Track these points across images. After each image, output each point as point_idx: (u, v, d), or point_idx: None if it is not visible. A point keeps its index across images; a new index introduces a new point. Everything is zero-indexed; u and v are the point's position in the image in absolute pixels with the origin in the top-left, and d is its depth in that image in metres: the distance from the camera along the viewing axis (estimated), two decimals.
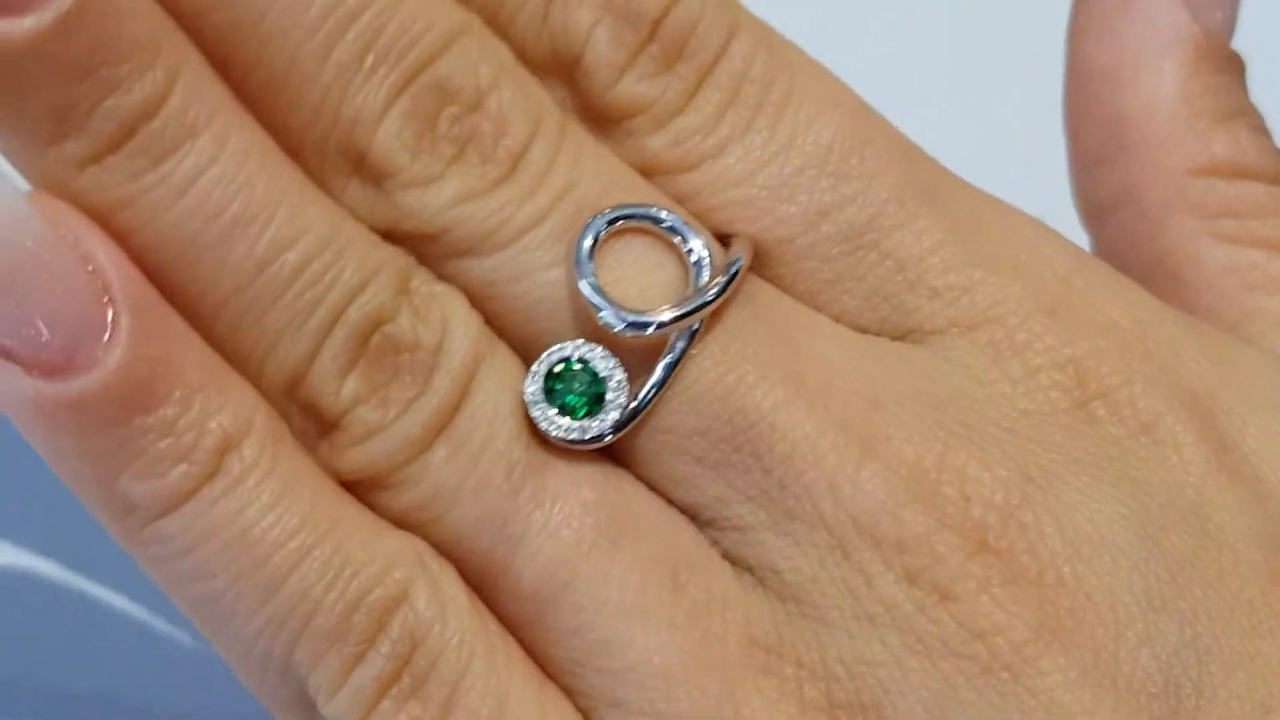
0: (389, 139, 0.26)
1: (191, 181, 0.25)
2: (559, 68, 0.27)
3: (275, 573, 0.25)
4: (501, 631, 0.26)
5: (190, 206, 0.25)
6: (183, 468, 0.25)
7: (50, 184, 0.25)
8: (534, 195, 0.26)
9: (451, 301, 0.26)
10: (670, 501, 0.26)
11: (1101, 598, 0.25)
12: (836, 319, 0.27)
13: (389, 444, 0.25)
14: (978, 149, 0.35)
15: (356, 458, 0.26)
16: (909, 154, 0.28)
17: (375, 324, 0.26)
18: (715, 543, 0.26)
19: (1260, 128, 0.31)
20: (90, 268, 0.25)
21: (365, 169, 0.26)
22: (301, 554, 0.25)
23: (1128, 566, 0.25)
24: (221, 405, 0.25)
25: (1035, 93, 0.33)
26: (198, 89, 0.25)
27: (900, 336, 0.27)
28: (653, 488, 0.26)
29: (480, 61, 0.26)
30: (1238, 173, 0.30)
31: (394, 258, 0.26)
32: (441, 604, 0.25)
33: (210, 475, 0.25)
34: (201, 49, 0.26)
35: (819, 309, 0.27)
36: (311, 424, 0.26)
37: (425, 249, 0.26)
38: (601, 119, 0.27)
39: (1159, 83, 0.30)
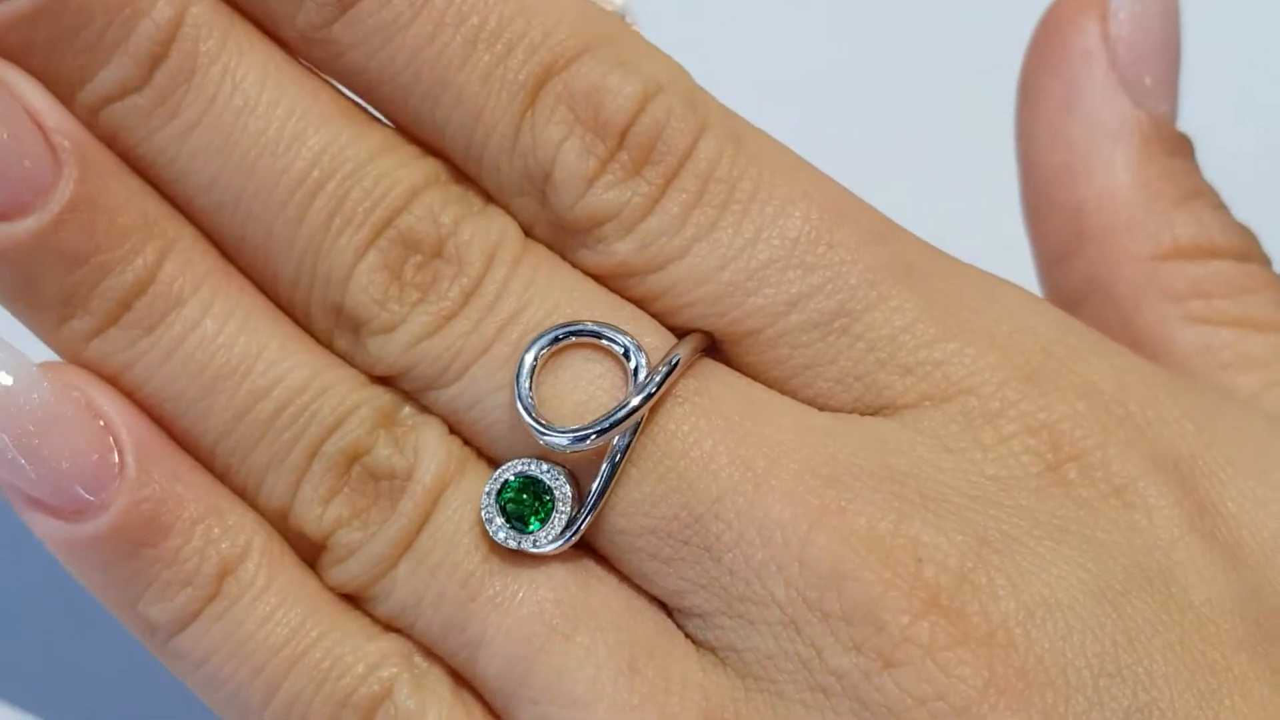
0: (358, 292, 0.28)
1: (177, 345, 0.28)
2: (531, 185, 0.28)
3: (272, 678, 0.27)
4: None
5: (177, 367, 0.28)
6: (188, 591, 0.28)
7: (65, 355, 0.28)
8: (480, 326, 0.27)
9: (427, 430, 0.28)
10: (639, 591, 0.27)
11: (1052, 660, 0.25)
12: (810, 402, 0.28)
13: (363, 562, 0.28)
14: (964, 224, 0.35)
15: (339, 574, 0.28)
16: (882, 235, 0.28)
17: (353, 456, 0.28)
18: (682, 627, 0.27)
19: (1219, 205, 0.31)
20: (102, 423, 0.28)
21: (344, 321, 0.28)
22: (294, 660, 0.27)
23: (1081, 630, 0.25)
24: (221, 534, 0.28)
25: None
26: (186, 262, 0.28)
27: (873, 413, 0.27)
28: (621, 580, 0.27)
29: (443, 210, 0.28)
30: (1203, 252, 0.30)
31: (377, 395, 0.28)
32: (423, 699, 0.27)
33: (211, 597, 0.28)
34: (197, 226, 0.29)
35: (793, 393, 0.28)
36: (304, 545, 0.28)
37: (402, 387, 0.28)
38: (573, 229, 0.28)
39: (1113, 171, 0.31)
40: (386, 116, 0.29)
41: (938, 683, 0.25)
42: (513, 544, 0.27)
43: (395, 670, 0.27)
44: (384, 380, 0.28)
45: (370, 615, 0.28)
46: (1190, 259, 0.30)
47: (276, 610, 0.27)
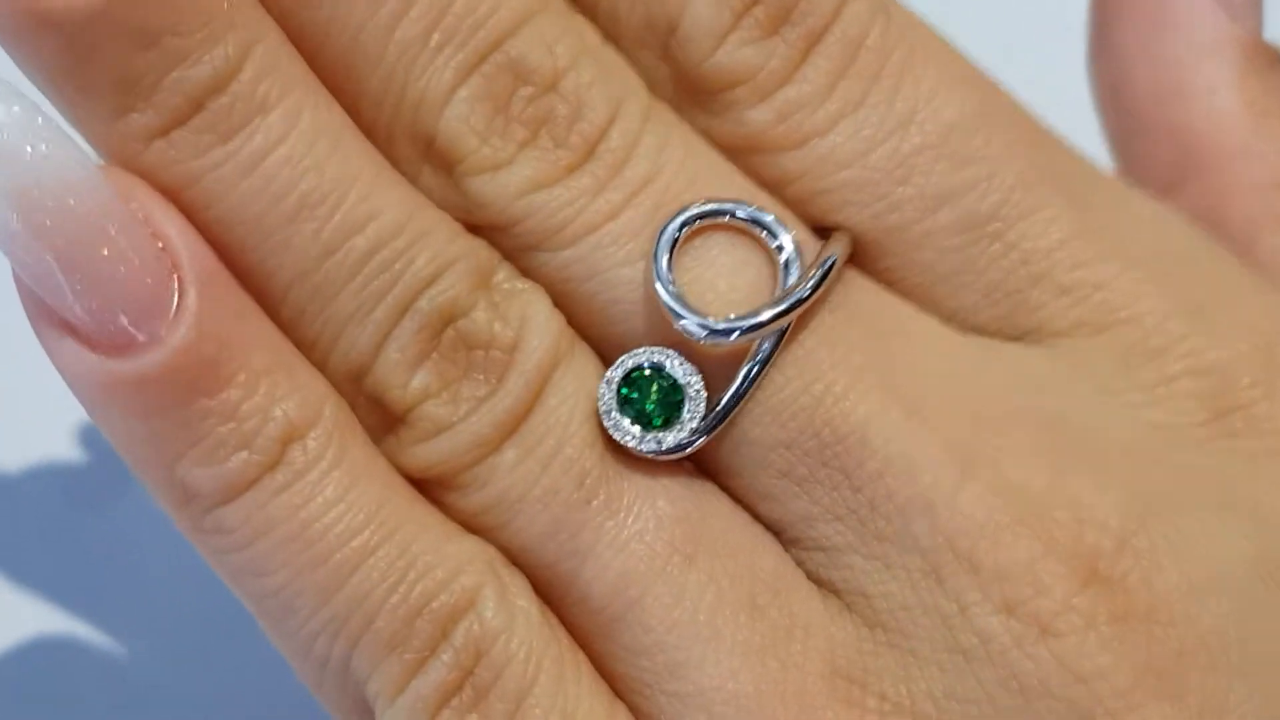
0: (456, 122, 0.24)
1: (258, 160, 0.24)
2: (653, 36, 0.25)
3: (336, 572, 0.24)
4: (573, 646, 0.24)
5: (256, 186, 0.24)
6: (244, 455, 0.24)
7: (117, 158, 0.24)
8: (609, 186, 0.24)
9: (533, 299, 0.24)
10: (756, 516, 0.25)
11: (1215, 642, 0.23)
12: (950, 316, 0.25)
13: (456, 443, 0.24)
14: None
15: (422, 455, 0.24)
16: (1040, 139, 0.25)
17: (448, 318, 0.24)
18: (801, 562, 0.25)
19: None
20: (160, 244, 0.23)
21: (434, 154, 0.24)
22: (365, 553, 0.24)
23: (1242, 611, 0.23)
24: (288, 392, 0.24)
25: None
26: (272, 65, 0.24)
27: (1019, 336, 0.25)
28: (738, 500, 0.25)
29: (557, 40, 0.24)
30: None
31: (475, 250, 0.24)
32: (510, 614, 0.24)
33: (272, 465, 0.24)
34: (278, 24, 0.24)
35: (934, 304, 0.25)
36: (377, 417, 0.25)
37: (499, 240, 0.25)
38: (699, 91, 0.25)
39: (1217, 90, 0.28)
40: None
41: (1099, 660, 0.23)
42: (633, 443, 0.24)
43: (478, 579, 0.24)
44: (478, 232, 0.25)
45: (443, 507, 0.25)
46: None
47: (349, 492, 0.24)
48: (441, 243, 0.24)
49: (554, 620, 0.24)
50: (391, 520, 0.24)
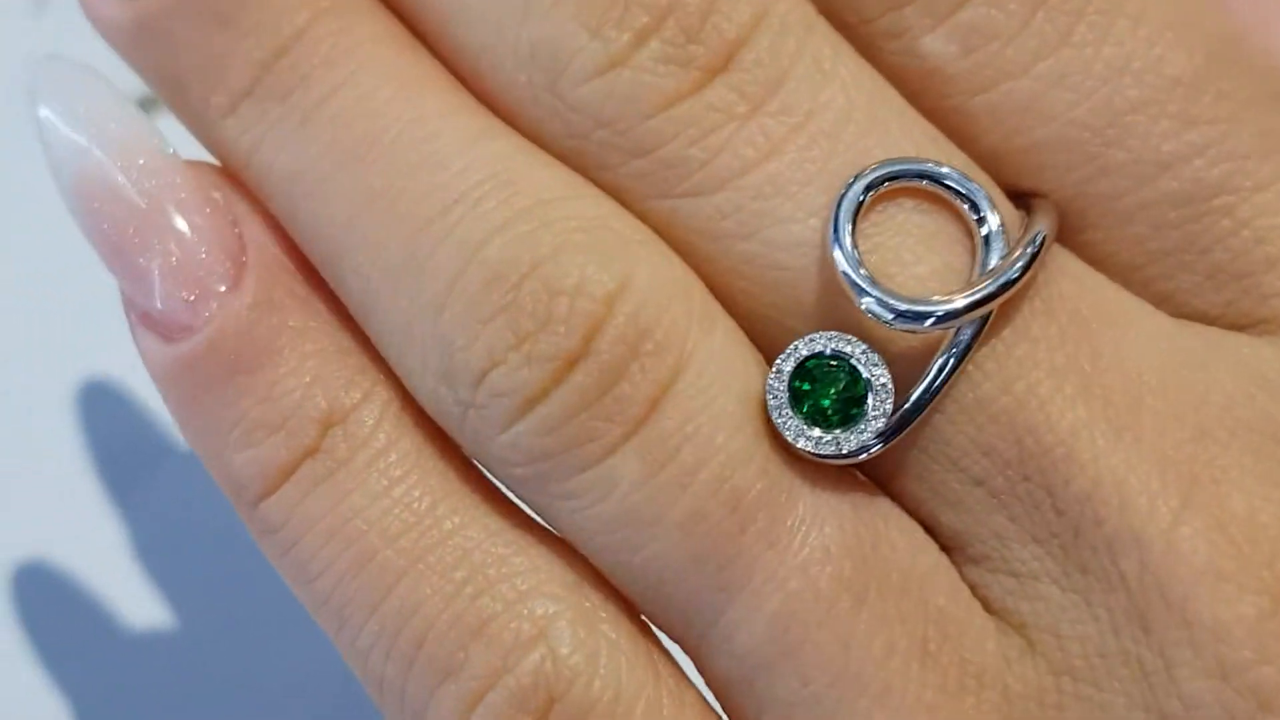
0: (564, 15, 0.20)
1: (316, 107, 0.21)
2: None
3: (382, 576, 0.20)
4: (680, 688, 0.21)
5: (315, 131, 0.21)
6: (279, 437, 0.21)
7: (212, 141, 0.22)
8: (762, 109, 0.20)
9: (650, 248, 0.21)
10: (935, 528, 0.21)
11: None
12: (1164, 299, 0.21)
13: (564, 437, 0.20)
14: None
15: (524, 444, 0.20)
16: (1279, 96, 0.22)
17: (553, 291, 0.20)
18: (982, 586, 0.21)
19: None
20: (236, 229, 0.21)
21: (538, 63, 0.20)
22: (416, 555, 0.20)
23: None
24: (334, 374, 0.21)
25: None
26: (344, 25, 0.21)
27: (1246, 326, 0.21)
28: (915, 508, 0.21)
29: None
30: None
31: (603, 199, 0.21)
32: (594, 649, 0.20)
33: (311, 450, 0.21)
34: None
35: (1143, 285, 0.21)
36: (460, 403, 0.21)
37: (617, 163, 0.21)
38: (862, 9, 0.21)
39: None
40: None
41: None
42: (808, 445, 0.20)
43: (555, 601, 0.20)
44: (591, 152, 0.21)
45: (551, 516, 0.21)
46: None
47: (399, 483, 0.20)
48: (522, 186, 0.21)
49: (659, 655, 0.21)
50: (454, 517, 0.20)
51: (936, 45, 0.21)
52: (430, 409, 0.21)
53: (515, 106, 0.21)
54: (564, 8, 0.20)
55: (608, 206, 0.21)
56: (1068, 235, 0.22)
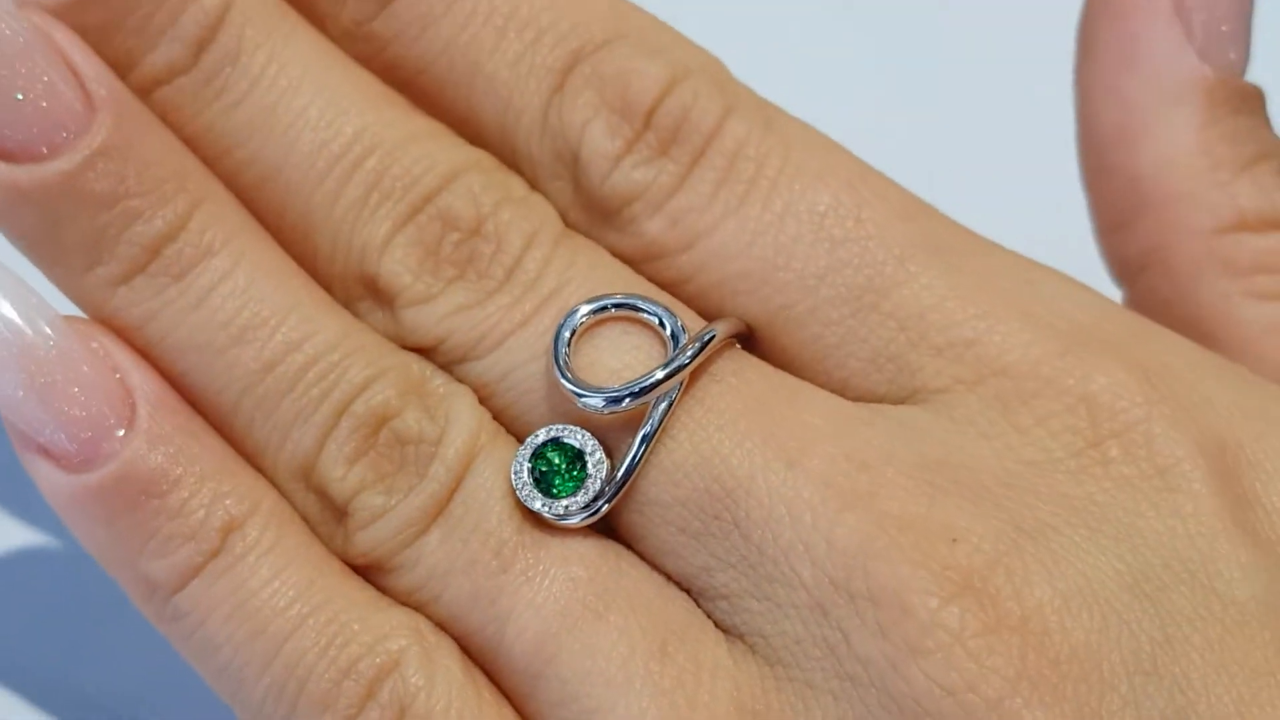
0: (393, 264, 0.28)
1: (206, 294, 0.28)
2: (563, 168, 0.28)
3: (272, 641, 0.26)
4: (497, 700, 0.26)
5: (205, 317, 0.27)
6: (190, 546, 0.27)
7: (89, 306, 0.28)
8: (522, 300, 0.27)
9: (459, 399, 0.27)
10: (666, 575, 0.27)
11: (1087, 654, 0.24)
12: (843, 385, 0.27)
13: (390, 527, 0.27)
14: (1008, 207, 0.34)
15: (362, 541, 0.27)
16: (911, 213, 0.28)
17: (382, 419, 0.27)
18: (709, 613, 0.26)
19: None
20: (117, 375, 0.27)
21: (377, 293, 0.28)
22: (297, 623, 0.26)
23: (1118, 624, 0.24)
24: (229, 491, 0.27)
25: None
26: (217, 215, 0.28)
27: (906, 398, 0.27)
28: (648, 560, 0.27)
29: (483, 193, 0.28)
30: (1268, 224, 0.29)
31: (407, 363, 0.28)
32: (431, 673, 0.26)
33: (214, 552, 0.27)
34: (243, 199, 0.28)
35: (825, 375, 0.27)
36: (326, 510, 0.27)
37: (433, 359, 0.28)
38: (603, 209, 0.28)
39: (1173, 136, 0.29)
40: (429, 110, 0.29)
41: (968, 672, 0.24)
42: (545, 510, 0.26)
43: (405, 643, 0.26)
44: (416, 351, 0.28)
45: (384, 589, 0.27)
46: (1254, 230, 0.29)
47: (282, 571, 0.27)
48: (374, 356, 0.28)
49: (480, 680, 0.26)
50: (321, 594, 0.27)
51: (653, 225, 0.28)
52: (301, 513, 0.28)
53: (359, 315, 0.29)
54: (395, 263, 0.28)
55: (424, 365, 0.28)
56: (765, 346, 0.28)
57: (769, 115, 0.28)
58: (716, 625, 0.26)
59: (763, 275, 0.27)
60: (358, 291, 0.28)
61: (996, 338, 0.27)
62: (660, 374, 0.26)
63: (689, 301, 0.28)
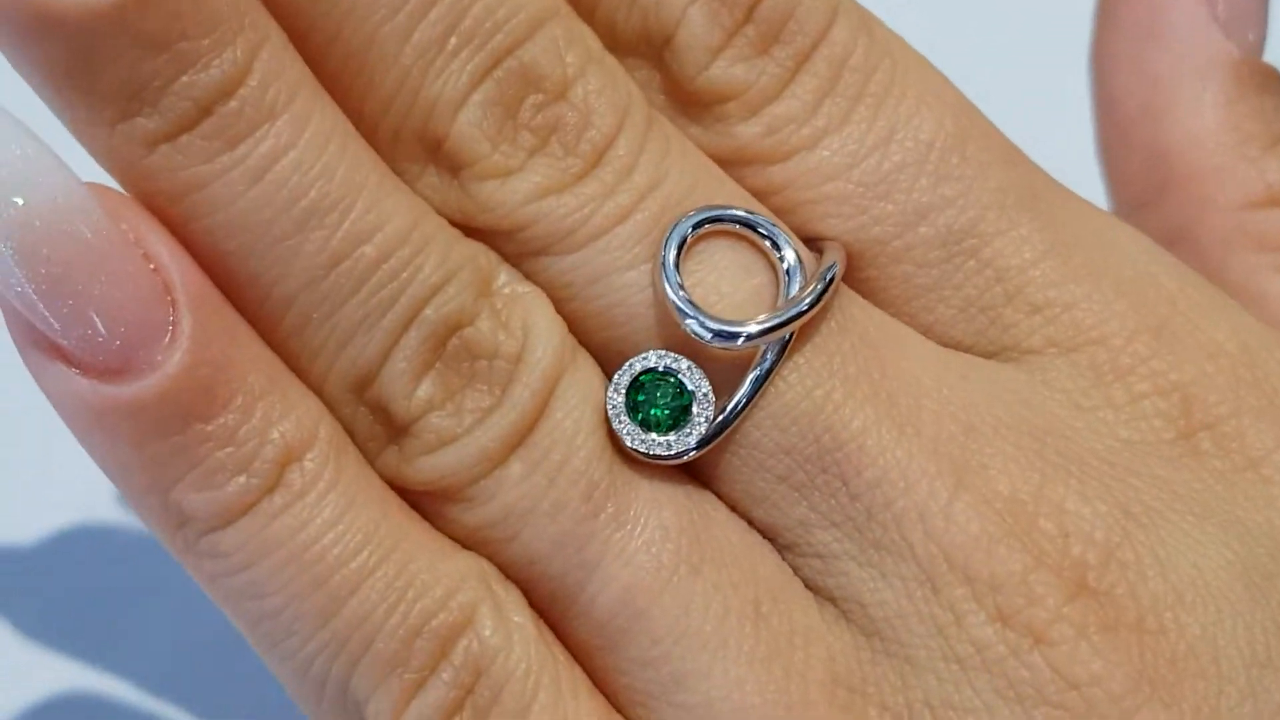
0: (469, 126, 0.24)
1: (268, 166, 0.23)
2: (648, 48, 0.26)
3: (335, 593, 0.23)
4: (569, 661, 0.24)
5: (265, 193, 0.23)
6: (242, 479, 0.23)
7: (116, 162, 0.24)
8: (616, 192, 0.25)
9: (535, 306, 0.24)
10: (751, 522, 0.25)
11: (1204, 648, 0.24)
12: (927, 329, 0.26)
13: (462, 456, 0.24)
14: None
15: (427, 468, 0.24)
16: (1013, 157, 0.26)
17: (454, 327, 0.24)
18: (796, 569, 0.25)
19: None
20: (153, 266, 0.23)
21: (442, 157, 0.24)
22: (364, 575, 0.23)
23: (1232, 616, 0.24)
24: (285, 413, 0.24)
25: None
26: (278, 68, 0.24)
27: (994, 353, 0.26)
28: (733, 506, 0.25)
29: (567, 48, 0.25)
30: None
31: (476, 255, 0.24)
32: (508, 631, 0.24)
33: (271, 488, 0.23)
34: (279, 20, 0.24)
35: (910, 316, 0.26)
36: (381, 428, 0.24)
37: (501, 245, 0.25)
38: (690, 103, 0.26)
39: (1200, 112, 0.29)
40: None
41: (1093, 667, 0.23)
42: (641, 446, 0.24)
43: (475, 596, 0.24)
44: (476, 235, 0.25)
45: (441, 521, 0.24)
46: None
47: (346, 512, 0.24)
48: (445, 250, 0.24)
49: (550, 635, 0.24)
50: (389, 540, 0.24)
51: (747, 130, 0.26)
52: (347, 429, 0.24)
53: (410, 179, 0.25)
54: (471, 125, 0.24)
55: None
56: (850, 273, 0.26)
57: (870, 23, 0.26)
58: (805, 584, 0.25)
59: (861, 203, 0.25)
60: (413, 150, 0.25)
61: (1095, 305, 0.26)
62: (782, 318, 0.24)
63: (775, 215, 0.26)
